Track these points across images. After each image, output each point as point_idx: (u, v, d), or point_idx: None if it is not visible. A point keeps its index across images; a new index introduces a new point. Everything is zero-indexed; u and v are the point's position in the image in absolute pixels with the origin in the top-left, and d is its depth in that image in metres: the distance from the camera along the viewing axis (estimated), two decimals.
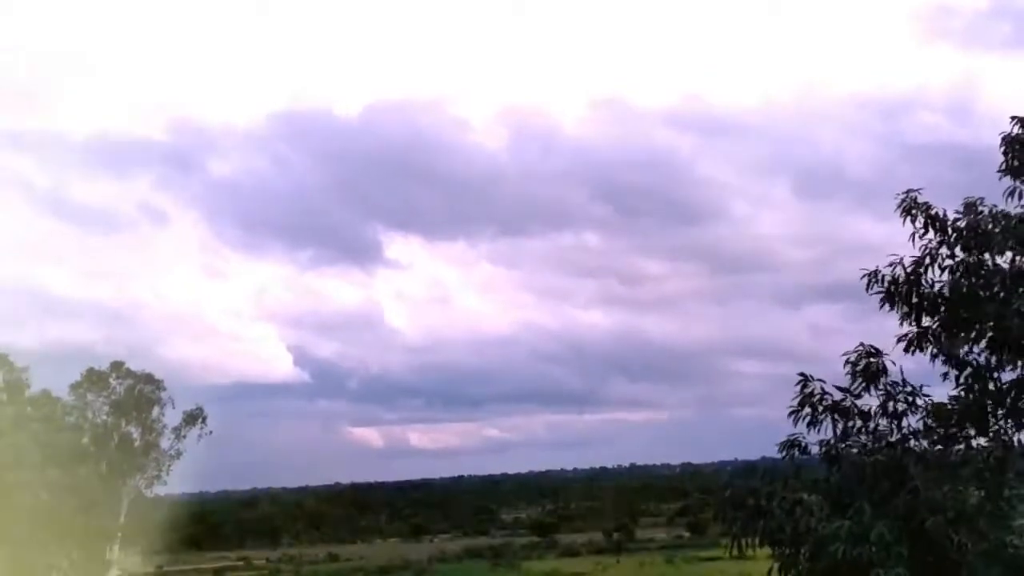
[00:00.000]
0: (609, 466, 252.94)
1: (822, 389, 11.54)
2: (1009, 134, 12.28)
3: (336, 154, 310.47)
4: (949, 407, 11.73)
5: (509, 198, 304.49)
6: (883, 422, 11.59)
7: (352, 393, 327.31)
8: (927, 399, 11.66)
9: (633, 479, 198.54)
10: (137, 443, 47.97)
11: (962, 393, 11.84)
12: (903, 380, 11.68)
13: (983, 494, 10.29)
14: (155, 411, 48.20)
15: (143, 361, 48.19)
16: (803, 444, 11.48)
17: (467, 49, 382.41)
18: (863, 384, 11.60)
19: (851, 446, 11.46)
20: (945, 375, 12.01)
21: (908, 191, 12.22)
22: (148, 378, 48.39)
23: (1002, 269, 11.79)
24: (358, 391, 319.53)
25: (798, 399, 11.51)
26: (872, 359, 11.65)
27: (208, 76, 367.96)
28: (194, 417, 48.56)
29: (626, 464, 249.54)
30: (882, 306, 12.11)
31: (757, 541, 11.20)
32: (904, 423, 11.64)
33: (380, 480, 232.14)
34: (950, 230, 12.02)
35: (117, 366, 48.21)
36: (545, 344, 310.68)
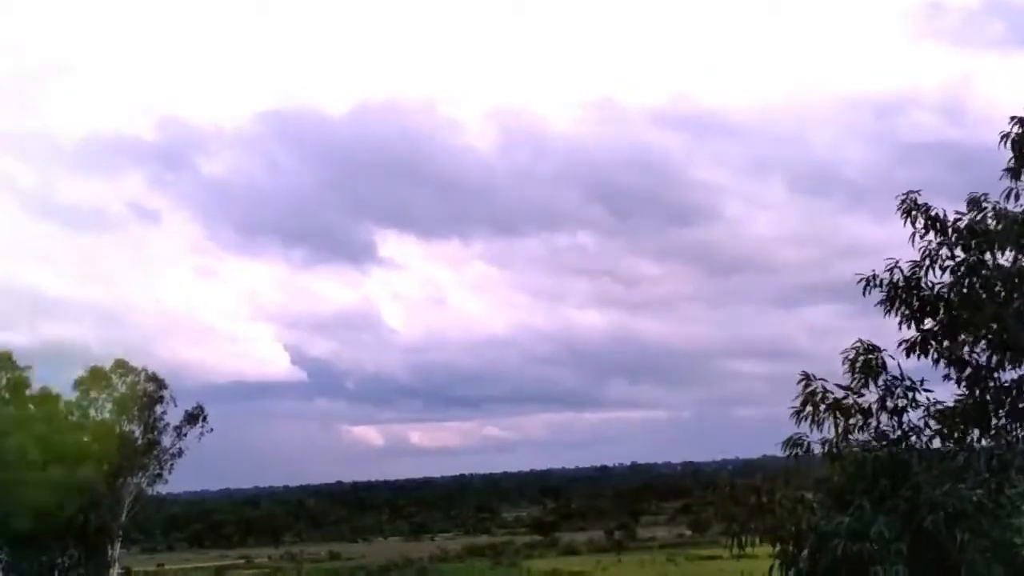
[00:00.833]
0: (610, 465, 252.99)
1: (823, 388, 11.58)
2: (1010, 134, 12.27)
3: (326, 153, 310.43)
4: (952, 407, 11.77)
5: (502, 198, 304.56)
6: (884, 418, 11.63)
7: (350, 393, 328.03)
8: (928, 394, 11.72)
9: (634, 478, 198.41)
10: (139, 441, 47.98)
11: (964, 393, 11.88)
12: (901, 375, 11.74)
13: (984, 492, 10.31)
14: (157, 409, 48.26)
15: (140, 361, 48.04)
16: (806, 443, 11.51)
17: (455, 49, 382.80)
18: (863, 380, 11.64)
19: (852, 444, 11.50)
20: (947, 376, 12.05)
21: (908, 192, 12.25)
22: (151, 376, 48.45)
23: (1003, 269, 11.82)
24: (356, 391, 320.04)
25: (800, 398, 11.54)
26: (870, 355, 11.69)
27: (197, 75, 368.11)
28: (195, 416, 48.64)
29: (627, 463, 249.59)
30: (886, 313, 12.13)
31: (758, 539, 11.25)
32: (904, 419, 11.69)
33: (381, 479, 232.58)
34: (950, 230, 12.05)
35: (120, 363, 48.24)
36: (542, 345, 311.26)
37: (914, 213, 12.16)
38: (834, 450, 11.52)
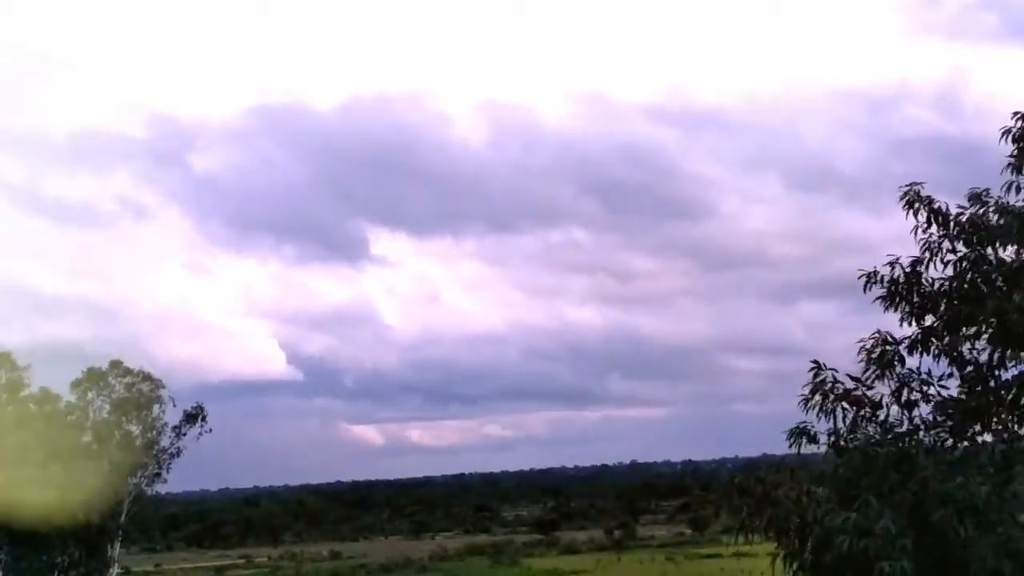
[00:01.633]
0: (610, 463, 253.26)
1: (834, 377, 11.53)
2: (1011, 130, 12.24)
3: (316, 149, 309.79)
4: (955, 401, 11.73)
5: (495, 194, 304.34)
6: (894, 410, 11.58)
7: (348, 391, 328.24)
8: (942, 389, 11.68)
9: (634, 476, 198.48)
10: (138, 441, 47.94)
11: (965, 390, 11.85)
12: (918, 369, 11.70)
13: (990, 487, 10.26)
14: (155, 409, 48.21)
15: (134, 359, 47.99)
16: (812, 432, 11.45)
17: (445, 43, 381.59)
18: (876, 372, 11.59)
19: (859, 436, 11.45)
20: (949, 373, 12.01)
21: (911, 184, 12.21)
22: (147, 376, 48.41)
23: (1004, 263, 11.79)
24: (354, 389, 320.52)
25: (809, 386, 11.47)
26: (888, 347, 11.64)
27: (185, 71, 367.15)
28: (193, 415, 48.56)
29: (627, 461, 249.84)
30: (886, 309, 12.09)
31: (763, 531, 11.19)
32: (915, 413, 11.65)
33: (381, 478, 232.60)
34: (952, 224, 12.01)
35: (116, 364, 48.19)
36: (539, 341, 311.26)
37: (916, 205, 12.13)
38: (841, 442, 11.47)
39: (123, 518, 47.31)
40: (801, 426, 11.42)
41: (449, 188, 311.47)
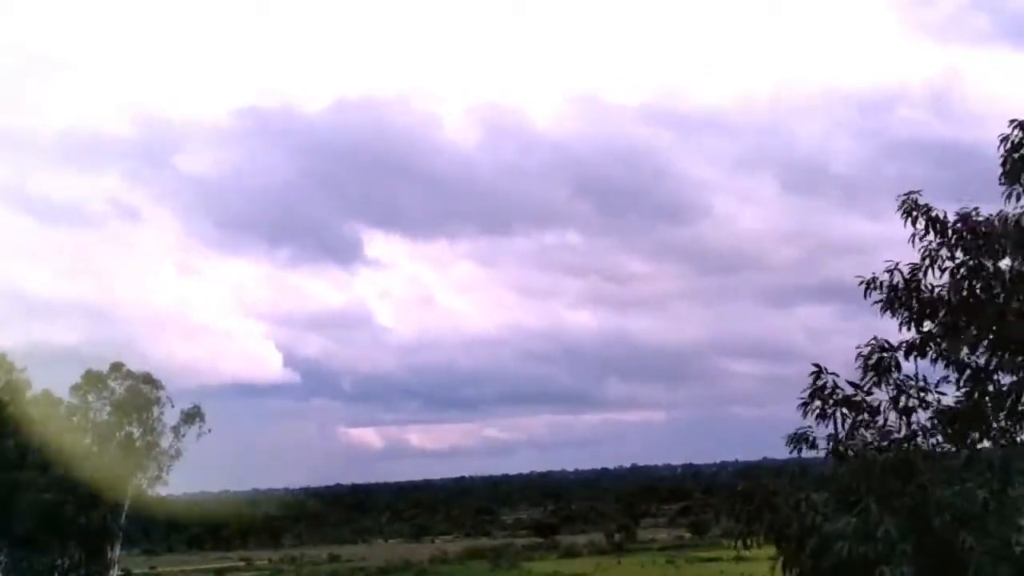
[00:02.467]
0: (610, 467, 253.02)
1: (833, 383, 11.57)
2: (1009, 137, 12.25)
3: (306, 150, 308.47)
4: (953, 408, 11.78)
5: (489, 196, 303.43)
6: (892, 416, 11.62)
7: (346, 393, 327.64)
8: (939, 395, 11.72)
9: (634, 480, 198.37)
10: (138, 443, 47.97)
11: (963, 395, 11.90)
12: (915, 376, 11.75)
13: (990, 493, 10.30)
14: (154, 411, 48.24)
15: (130, 362, 47.98)
16: (811, 438, 11.49)
17: (437, 45, 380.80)
18: (874, 378, 11.64)
19: (858, 442, 11.49)
20: (947, 379, 12.06)
21: (909, 193, 12.26)
22: (146, 378, 48.44)
23: (1002, 272, 11.83)
24: (352, 391, 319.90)
25: (809, 391, 11.52)
26: (885, 353, 11.70)
27: (173, 72, 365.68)
28: (192, 416, 48.57)
29: (627, 465, 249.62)
30: (883, 313, 12.14)
31: (762, 536, 11.24)
32: (913, 419, 11.69)
33: (381, 481, 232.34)
34: (950, 232, 12.06)
35: (116, 367, 48.26)
36: (536, 344, 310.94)
37: (915, 214, 12.17)
38: (840, 448, 11.52)
39: (123, 519, 47.35)
40: (801, 432, 11.47)
41: (443, 190, 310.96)
